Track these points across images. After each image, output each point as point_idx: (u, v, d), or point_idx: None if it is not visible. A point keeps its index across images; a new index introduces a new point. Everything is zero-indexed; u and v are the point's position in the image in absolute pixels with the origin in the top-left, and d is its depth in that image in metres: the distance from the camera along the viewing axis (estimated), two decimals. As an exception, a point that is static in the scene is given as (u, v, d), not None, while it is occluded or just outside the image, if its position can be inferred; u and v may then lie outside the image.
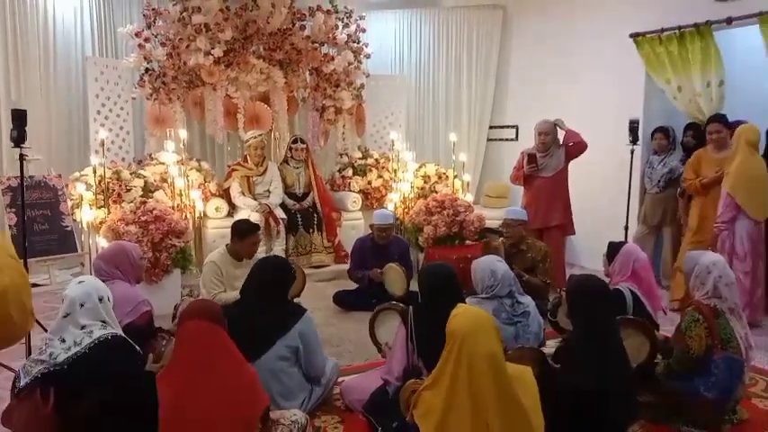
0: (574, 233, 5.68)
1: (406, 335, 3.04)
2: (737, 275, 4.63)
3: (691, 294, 3.27)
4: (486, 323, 2.23)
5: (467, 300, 3.35)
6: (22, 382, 2.65)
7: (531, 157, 5.47)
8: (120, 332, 2.89)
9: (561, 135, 5.55)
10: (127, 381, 2.74)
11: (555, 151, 5.48)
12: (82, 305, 2.77)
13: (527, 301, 3.51)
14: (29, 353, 3.59)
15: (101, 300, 2.83)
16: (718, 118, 5.06)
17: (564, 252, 5.69)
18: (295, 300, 4.30)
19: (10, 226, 4.54)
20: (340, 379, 3.48)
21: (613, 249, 3.86)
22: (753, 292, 4.73)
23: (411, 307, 3.10)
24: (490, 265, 3.48)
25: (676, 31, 5.64)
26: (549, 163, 5.48)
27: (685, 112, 5.76)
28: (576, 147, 5.43)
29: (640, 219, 6.10)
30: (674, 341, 3.22)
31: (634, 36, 6.01)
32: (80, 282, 2.86)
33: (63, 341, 2.72)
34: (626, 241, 3.94)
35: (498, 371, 2.16)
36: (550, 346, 3.60)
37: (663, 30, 5.73)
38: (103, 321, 2.82)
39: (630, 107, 6.02)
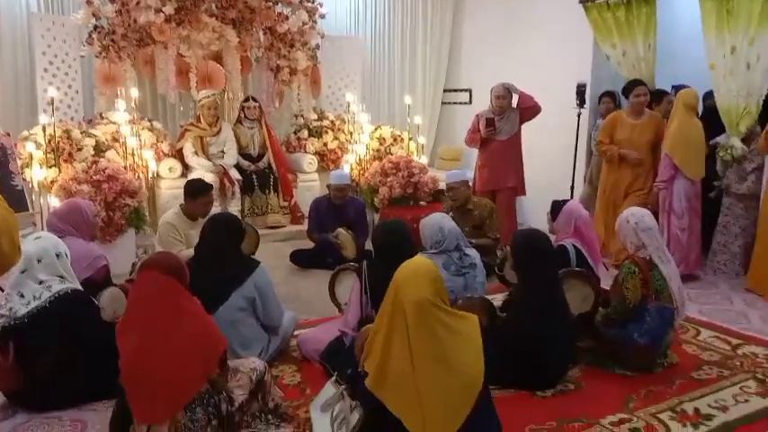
0: (525, 194, 5.83)
1: (360, 288, 3.17)
2: (675, 232, 4.95)
3: (628, 251, 3.47)
4: (422, 272, 2.30)
5: (417, 255, 3.49)
6: (-20, 337, 2.68)
7: (490, 121, 5.50)
8: (79, 287, 2.94)
9: (515, 99, 5.66)
10: (85, 332, 2.81)
11: (510, 114, 5.55)
12: (39, 260, 2.81)
13: (473, 253, 3.70)
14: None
15: (58, 255, 2.86)
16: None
17: (515, 212, 5.86)
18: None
19: (-43, 185, 4.46)
20: (297, 332, 3.60)
21: (557, 207, 4.04)
22: (690, 247, 5.01)
23: (365, 262, 3.22)
24: (438, 222, 3.63)
25: (624, -1, 5.81)
26: (503, 126, 5.55)
27: (627, 78, 5.96)
28: (529, 110, 5.51)
29: (586, 180, 6.33)
30: (612, 292, 3.44)
31: (584, 2, 6.14)
32: (36, 238, 2.90)
33: (22, 296, 2.77)
34: (569, 200, 4.12)
35: (424, 318, 2.23)
36: (498, 299, 3.79)
37: (611, -4, 5.90)
38: (61, 276, 2.86)
39: (579, 72, 6.19)
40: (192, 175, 5.74)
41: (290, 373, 3.27)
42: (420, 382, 2.16)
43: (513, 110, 5.59)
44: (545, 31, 6.87)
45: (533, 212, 7.05)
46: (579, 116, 5.40)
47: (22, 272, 2.78)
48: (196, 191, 4.29)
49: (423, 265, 2.38)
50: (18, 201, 4.75)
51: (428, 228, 3.65)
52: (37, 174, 4.94)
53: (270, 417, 2.72)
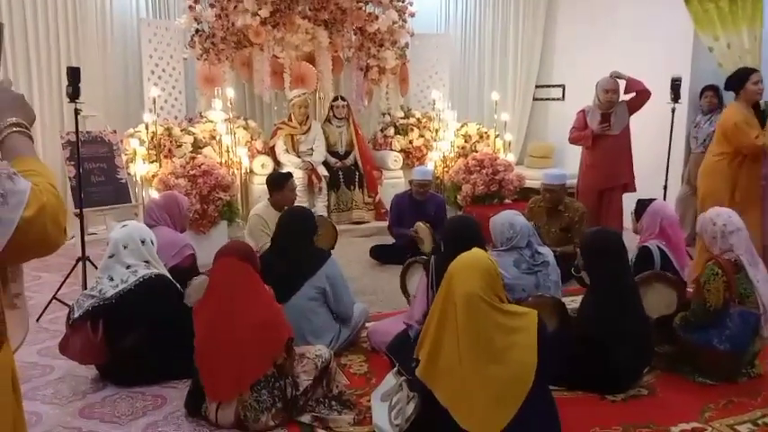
0: (635, 190, 5.39)
1: (427, 282, 3.20)
2: None
3: (710, 252, 3.29)
4: (475, 264, 2.31)
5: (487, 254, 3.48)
6: (76, 314, 2.97)
7: (606, 116, 5.24)
8: (164, 271, 3.17)
9: (623, 88, 5.33)
10: (167, 315, 3.03)
11: (618, 108, 5.28)
12: (125, 246, 3.06)
13: (546, 251, 3.62)
14: (84, 288, 3.95)
15: (143, 242, 3.10)
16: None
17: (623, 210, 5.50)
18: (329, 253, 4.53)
19: (69, 178, 4.90)
20: (368, 324, 3.69)
21: (642, 207, 3.88)
22: None
23: (433, 256, 3.25)
24: (509, 219, 3.59)
25: (727, -15, 5.47)
26: (615, 121, 5.29)
27: (729, 72, 5.59)
28: (639, 97, 5.19)
29: (684, 179, 6.03)
30: (693, 294, 3.27)
31: (683, -8, 5.83)
32: (123, 225, 3.16)
33: (111, 279, 3.03)
34: (656, 199, 3.94)
35: (473, 312, 2.23)
36: (577, 302, 3.69)
37: (713, -15, 5.56)
38: (147, 261, 3.10)
39: (677, 66, 5.89)
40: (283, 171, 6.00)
41: (358, 363, 3.36)
42: (467, 376, 2.17)
43: (621, 102, 5.31)
44: (641, 25, 6.59)
45: (626, 211, 6.79)
46: (673, 111, 5.13)
47: (110, 256, 3.05)
48: (280, 180, 4.50)
49: (478, 258, 2.38)
50: (122, 193, 5.17)
51: (498, 224, 3.61)
52: (140, 168, 5.35)
53: (333, 403, 2.82)
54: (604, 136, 5.28)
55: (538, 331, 2.29)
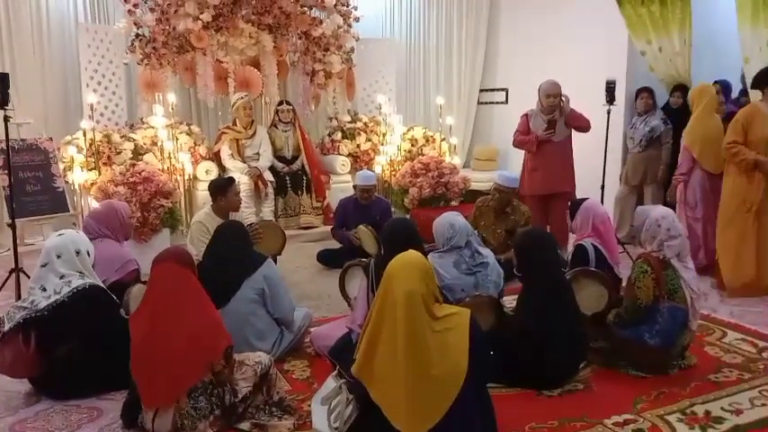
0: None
1: (367, 285, 3.22)
2: (688, 222, 4.87)
3: (642, 247, 3.41)
4: (414, 263, 2.35)
5: (429, 255, 3.52)
6: (6, 327, 2.87)
7: (552, 123, 5.18)
8: (98, 282, 3.10)
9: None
10: (101, 326, 2.97)
11: (560, 119, 5.24)
12: (59, 256, 2.98)
13: (486, 252, 3.69)
14: (18, 299, 3.84)
15: (77, 253, 3.02)
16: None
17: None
18: (276, 258, 4.51)
19: (3, 187, 4.74)
20: (311, 329, 3.68)
21: (575, 207, 3.98)
22: (705, 237, 4.95)
23: (372, 260, 3.27)
24: (449, 219, 3.66)
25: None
26: (558, 127, 5.25)
27: (662, 77, 5.83)
28: (578, 127, 5.22)
29: (622, 179, 6.22)
30: (625, 291, 3.38)
31: (618, -3, 6.03)
32: (59, 234, 3.07)
33: (44, 290, 2.94)
34: (588, 198, 4.05)
35: (413, 310, 2.25)
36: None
37: (645, -9, 5.78)
38: (81, 272, 3.02)
39: (614, 68, 6.08)
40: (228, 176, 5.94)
41: (301, 368, 3.36)
42: (401, 374, 2.20)
43: (562, 113, 5.26)
44: (580, 28, 6.79)
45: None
46: (609, 113, 5.30)
47: (43, 266, 2.96)
48: (224, 186, 4.41)
49: (415, 257, 2.42)
50: (59, 202, 5.03)
51: (439, 225, 3.67)
52: (78, 176, 5.21)
53: (274, 409, 2.80)
54: (547, 141, 5.25)
55: (470, 331, 2.34)
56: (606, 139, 5.36)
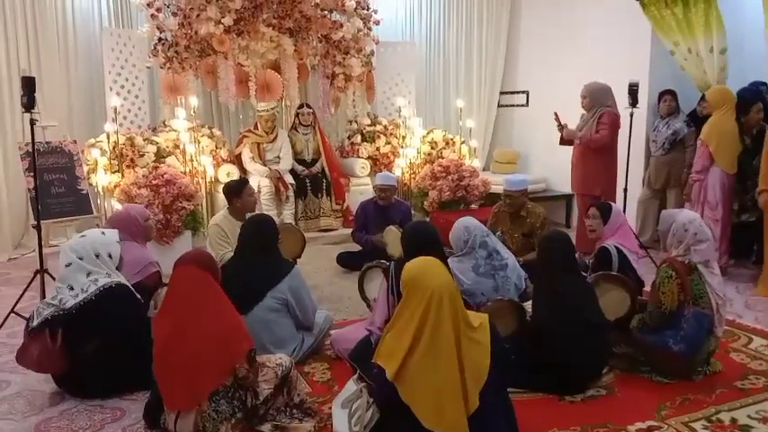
0: (613, 199, 5.37)
1: (387, 288, 3.21)
2: (708, 223, 4.76)
3: (667, 251, 3.36)
4: (432, 264, 2.36)
5: (448, 260, 3.51)
6: (35, 323, 2.93)
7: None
8: (124, 281, 3.14)
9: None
10: (127, 325, 3.00)
11: (589, 122, 5.41)
12: (81, 258, 3.03)
13: (507, 254, 3.66)
14: (43, 298, 3.89)
15: (97, 255, 3.06)
16: None
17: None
18: (296, 260, 4.52)
19: (28, 189, 4.81)
20: (332, 331, 3.68)
21: (606, 209, 3.91)
22: (722, 240, 4.93)
23: (392, 262, 3.26)
24: (463, 223, 3.68)
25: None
26: (581, 128, 5.43)
27: (693, 78, 5.74)
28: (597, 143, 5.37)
29: (645, 182, 6.15)
30: (649, 296, 3.34)
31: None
32: (82, 236, 3.11)
33: (71, 288, 3.00)
34: (605, 200, 4.05)
35: (455, 305, 2.27)
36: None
37: (668, -7, 5.70)
38: (107, 272, 3.06)
39: (637, 70, 6.01)
40: (250, 179, 5.96)
41: (321, 371, 3.36)
42: (441, 373, 2.19)
43: (596, 114, 5.39)
44: (602, 29, 6.73)
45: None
46: (632, 116, 5.24)
47: (67, 266, 3.01)
48: (238, 187, 4.44)
49: (431, 260, 2.43)
50: (83, 204, 5.10)
51: (456, 231, 3.69)
52: (101, 179, 5.27)
53: (294, 411, 2.81)
54: (575, 142, 5.49)
55: (491, 332, 2.34)
56: (629, 142, 5.30)
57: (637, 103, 5.23)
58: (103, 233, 3.24)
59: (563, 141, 5.63)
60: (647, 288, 3.63)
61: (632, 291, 3.42)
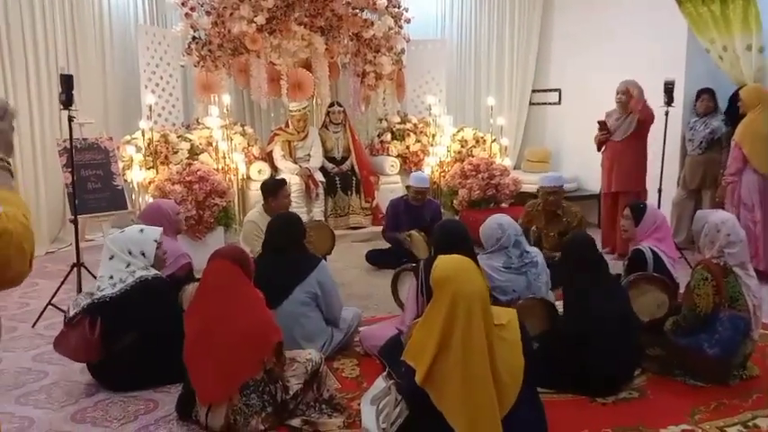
0: (645, 197, 5.46)
1: (417, 287, 3.21)
2: (747, 225, 4.73)
3: (701, 253, 3.30)
4: (466, 264, 2.35)
5: (478, 257, 3.49)
6: (72, 313, 3.01)
7: (602, 124, 5.42)
8: (161, 274, 3.20)
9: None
10: (162, 317, 3.07)
11: (627, 118, 5.40)
12: (120, 252, 3.10)
13: (534, 251, 3.65)
14: (79, 291, 4.00)
15: (130, 252, 3.13)
16: None
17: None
18: (326, 257, 4.55)
19: (66, 185, 4.93)
20: (361, 328, 3.70)
21: (640, 210, 3.86)
22: (765, 241, 4.83)
23: (422, 261, 3.26)
24: (496, 220, 3.64)
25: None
26: (618, 127, 5.40)
27: (729, 75, 5.61)
28: (642, 117, 5.34)
29: (680, 182, 6.03)
30: (683, 299, 3.28)
31: (676, -5, 5.85)
32: (121, 231, 3.20)
33: (111, 278, 3.08)
34: (643, 202, 3.98)
35: (486, 309, 2.27)
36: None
37: (705, -11, 5.59)
38: (146, 265, 3.13)
39: (673, 68, 5.90)
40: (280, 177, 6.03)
41: (351, 367, 3.38)
42: (473, 377, 2.18)
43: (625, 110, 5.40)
44: (635, 27, 6.61)
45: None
46: (667, 115, 5.15)
47: (110, 258, 3.10)
48: (275, 187, 4.52)
49: (462, 259, 2.42)
50: (118, 199, 5.21)
51: (487, 227, 3.64)
52: (136, 175, 5.37)
53: (323, 406, 2.83)
54: (610, 140, 5.45)
55: (521, 329, 2.33)
56: (664, 141, 5.21)
57: (672, 101, 5.14)
58: (142, 230, 3.28)
59: (601, 146, 5.56)
60: (682, 290, 3.57)
61: (671, 294, 3.37)
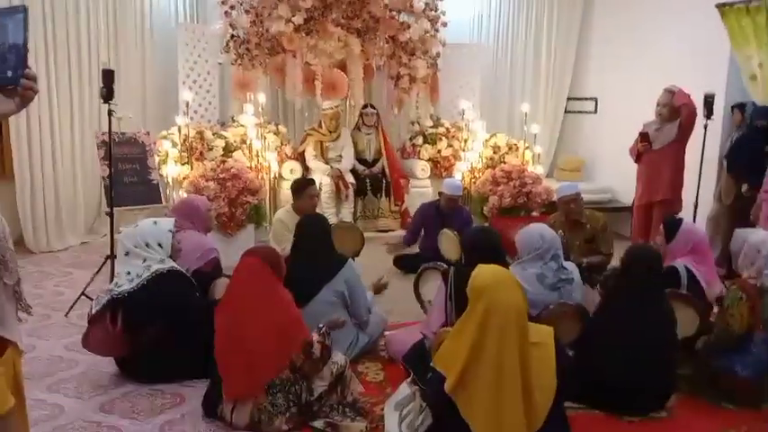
0: (680, 210, 5.31)
1: (446, 293, 3.20)
2: None
3: (738, 273, 3.23)
4: (507, 277, 2.35)
5: (510, 266, 3.45)
6: (94, 310, 3.07)
7: (644, 136, 5.28)
8: (177, 267, 3.24)
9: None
10: (181, 309, 3.11)
11: (667, 125, 5.23)
12: (136, 247, 3.16)
13: (572, 267, 3.55)
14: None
15: (147, 245, 3.18)
16: None
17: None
18: (354, 259, 4.56)
19: (102, 177, 5.03)
20: (386, 332, 3.70)
21: (673, 226, 3.80)
22: None
23: (453, 267, 3.25)
24: (539, 230, 3.53)
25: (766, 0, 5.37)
26: (657, 137, 5.27)
27: (755, 94, 5.51)
28: (683, 108, 5.10)
29: (715, 197, 5.91)
30: (717, 318, 3.22)
31: (720, 6, 5.74)
32: (135, 226, 3.26)
33: (128, 273, 3.14)
34: (682, 218, 3.89)
35: (521, 324, 2.26)
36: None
37: (751, 0, 5.46)
38: (162, 258, 3.18)
39: (713, 81, 5.79)
40: (311, 177, 6.06)
41: (375, 371, 3.38)
42: (503, 391, 2.17)
43: (674, 120, 5.22)
44: (676, 38, 6.50)
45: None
46: (706, 128, 5.05)
47: (126, 254, 3.15)
48: (300, 186, 4.57)
49: (502, 271, 2.42)
50: (153, 193, 5.30)
51: (527, 235, 3.52)
52: (171, 170, 5.46)
53: (347, 410, 2.84)
54: (647, 150, 5.31)
55: (556, 347, 2.31)
56: (702, 155, 5.11)
57: (712, 114, 5.05)
58: (155, 222, 3.34)
59: (639, 158, 5.42)
60: (716, 309, 3.49)
61: (701, 310, 3.30)
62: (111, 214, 4.35)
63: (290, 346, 2.69)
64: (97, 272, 4.44)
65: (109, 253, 4.36)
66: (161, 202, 5.41)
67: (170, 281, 3.13)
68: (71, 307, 4.20)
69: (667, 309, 3.13)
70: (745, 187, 5.45)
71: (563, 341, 3.04)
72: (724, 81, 5.95)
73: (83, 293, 4.25)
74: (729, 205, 5.78)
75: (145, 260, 3.14)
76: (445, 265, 3.64)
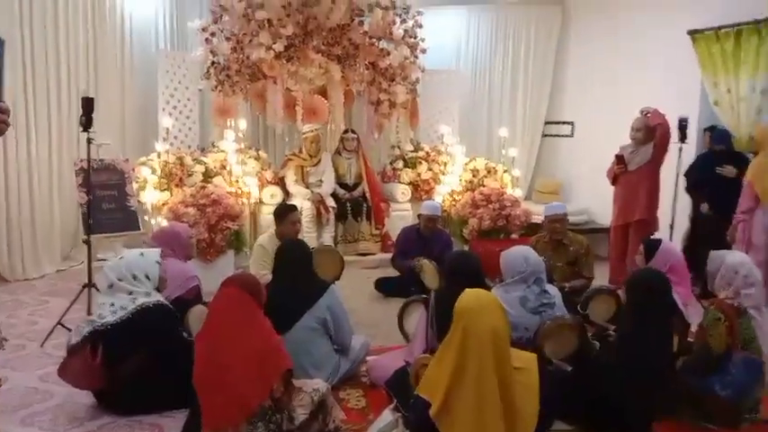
0: (656, 229, 5.40)
1: (427, 319, 3.20)
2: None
3: (715, 293, 3.28)
4: (490, 301, 2.36)
5: (493, 289, 3.47)
6: (74, 340, 3.01)
7: (620, 158, 5.39)
8: (164, 301, 3.20)
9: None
10: (164, 344, 3.06)
11: (642, 147, 5.34)
12: (120, 279, 3.12)
13: (554, 292, 3.58)
14: (89, 314, 4.00)
15: (134, 277, 3.15)
16: None
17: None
18: (335, 283, 4.55)
19: (80, 204, 4.98)
20: (368, 358, 3.68)
21: (652, 247, 3.84)
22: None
23: (433, 293, 3.25)
24: (523, 253, 3.55)
25: (734, 27, 5.53)
26: (632, 159, 5.38)
27: (723, 118, 5.67)
28: (658, 128, 5.20)
29: (690, 219, 6.00)
30: (695, 338, 3.25)
31: (692, 33, 5.90)
32: (120, 257, 3.22)
33: (112, 305, 3.08)
34: (660, 239, 3.94)
35: (500, 347, 2.27)
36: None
37: (720, 27, 5.63)
38: (147, 291, 3.14)
39: (687, 105, 5.92)
40: (291, 202, 6.06)
41: (356, 398, 3.36)
42: (485, 414, 2.17)
43: (648, 143, 5.33)
44: (651, 64, 6.65)
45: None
46: (681, 151, 5.15)
47: (109, 286, 3.10)
48: (282, 212, 4.54)
49: (486, 295, 2.43)
50: (131, 220, 5.25)
51: (512, 257, 3.55)
52: (150, 196, 5.42)
53: (329, 437, 2.81)
54: (623, 171, 5.42)
55: (540, 371, 2.32)
56: (677, 178, 5.21)
57: (686, 138, 5.15)
58: (142, 254, 3.29)
59: (615, 180, 5.52)
60: (694, 329, 3.53)
61: (679, 331, 3.34)
62: (88, 242, 4.31)
63: (270, 374, 2.66)
64: (74, 301, 4.37)
65: (86, 281, 4.30)
66: (139, 229, 5.36)
67: (155, 315, 3.09)
68: (47, 337, 4.12)
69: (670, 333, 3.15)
70: (705, 207, 5.64)
71: (561, 354, 3.06)
72: (697, 105, 6.09)
73: (59, 323, 4.18)
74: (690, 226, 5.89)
75: (130, 293, 3.09)
76: (425, 295, 3.64)
